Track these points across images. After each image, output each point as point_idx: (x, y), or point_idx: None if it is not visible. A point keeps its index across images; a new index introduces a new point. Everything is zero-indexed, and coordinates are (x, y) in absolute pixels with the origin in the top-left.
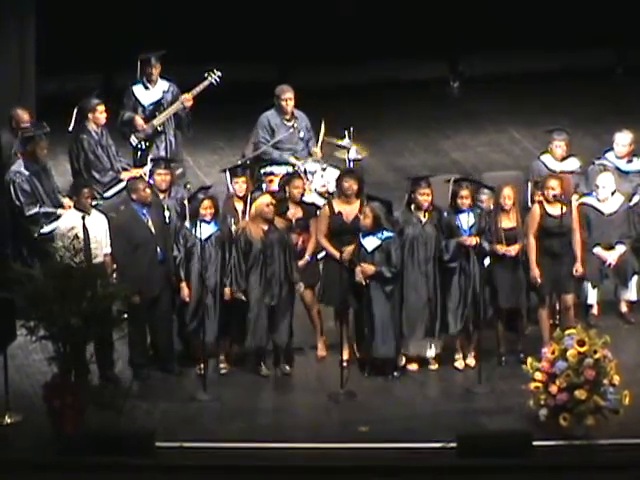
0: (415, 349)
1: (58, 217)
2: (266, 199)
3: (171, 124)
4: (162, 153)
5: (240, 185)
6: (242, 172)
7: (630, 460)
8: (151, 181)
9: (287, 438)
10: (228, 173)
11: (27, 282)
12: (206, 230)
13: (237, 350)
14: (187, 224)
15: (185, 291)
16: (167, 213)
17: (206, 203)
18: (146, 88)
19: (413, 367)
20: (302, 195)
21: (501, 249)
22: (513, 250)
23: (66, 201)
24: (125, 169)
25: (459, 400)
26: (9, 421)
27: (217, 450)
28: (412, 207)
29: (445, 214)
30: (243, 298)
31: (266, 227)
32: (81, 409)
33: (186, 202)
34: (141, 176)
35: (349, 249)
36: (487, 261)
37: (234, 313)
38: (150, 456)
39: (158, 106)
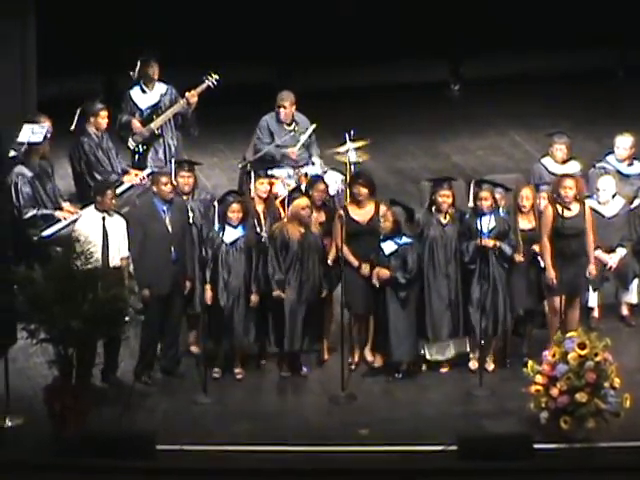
0: (436, 352)
1: (57, 220)
2: (304, 202)
3: (170, 127)
4: (161, 156)
5: (265, 186)
6: (265, 174)
7: (631, 463)
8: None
9: (288, 440)
10: (253, 174)
11: (28, 285)
12: (232, 234)
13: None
14: (216, 227)
15: (208, 293)
16: (191, 214)
17: (234, 207)
18: (143, 92)
19: (444, 369)
20: (325, 199)
21: (518, 258)
22: (536, 247)
23: (66, 205)
24: (125, 171)
25: (460, 403)
26: (10, 424)
27: (218, 453)
28: (433, 209)
29: (467, 216)
30: (282, 296)
31: (303, 229)
32: (83, 411)
33: (216, 204)
34: (165, 172)
35: (368, 269)
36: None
37: (265, 317)
38: (151, 459)
39: (156, 109)
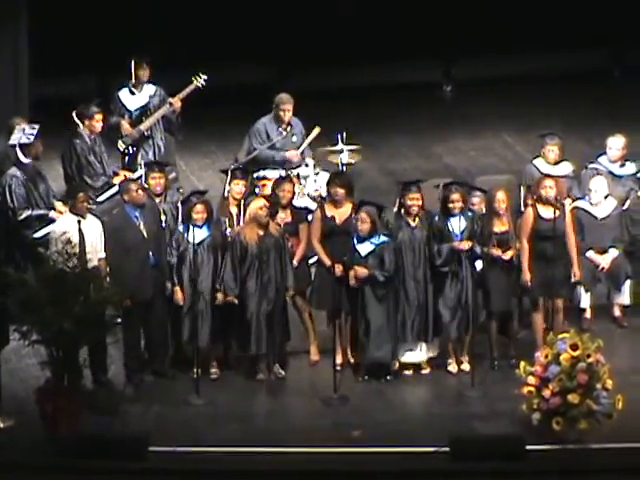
0: (407, 355)
1: (51, 220)
2: (260, 203)
3: (159, 128)
4: (150, 157)
5: (240, 187)
6: (242, 175)
7: (623, 464)
8: (145, 185)
9: (281, 442)
10: (229, 175)
11: (20, 287)
12: (198, 235)
13: (233, 354)
14: (180, 228)
15: (178, 295)
16: (163, 217)
17: (198, 207)
18: (132, 93)
19: (407, 372)
20: (292, 199)
21: (496, 252)
22: (507, 255)
23: (58, 205)
24: (115, 173)
25: (452, 404)
26: (2, 425)
27: (210, 454)
28: (402, 212)
29: (436, 218)
30: (235, 302)
31: (262, 232)
32: (75, 413)
33: (179, 205)
34: (136, 178)
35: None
36: (479, 265)
37: (230, 318)
38: (143, 460)
39: (145, 110)
